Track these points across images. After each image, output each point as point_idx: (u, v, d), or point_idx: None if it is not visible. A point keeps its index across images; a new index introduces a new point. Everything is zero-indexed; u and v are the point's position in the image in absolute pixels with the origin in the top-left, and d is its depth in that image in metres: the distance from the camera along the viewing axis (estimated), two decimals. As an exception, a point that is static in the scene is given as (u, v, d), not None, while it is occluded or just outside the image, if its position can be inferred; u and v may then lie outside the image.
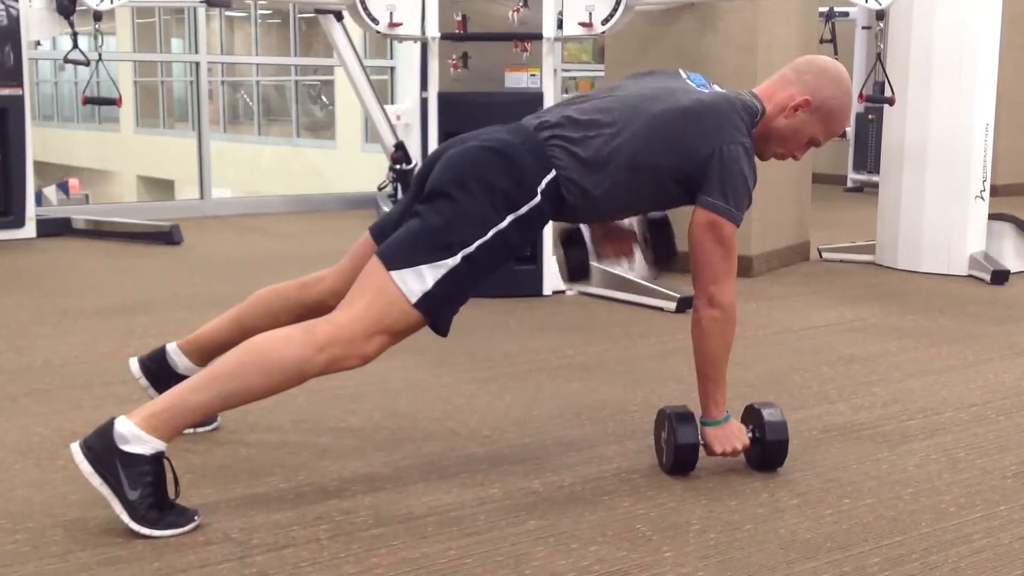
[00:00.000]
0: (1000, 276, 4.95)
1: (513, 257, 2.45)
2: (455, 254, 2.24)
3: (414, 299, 2.22)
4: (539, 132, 2.40)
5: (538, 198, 2.32)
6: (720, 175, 2.35)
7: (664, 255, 2.68)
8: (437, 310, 2.26)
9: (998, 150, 5.74)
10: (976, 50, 5.10)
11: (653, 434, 2.55)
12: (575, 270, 2.74)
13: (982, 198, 5.20)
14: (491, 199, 2.29)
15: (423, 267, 2.23)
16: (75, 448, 2.09)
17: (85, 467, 2.07)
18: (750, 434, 2.47)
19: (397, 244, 2.28)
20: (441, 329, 2.32)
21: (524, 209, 2.31)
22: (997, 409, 3.02)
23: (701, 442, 2.44)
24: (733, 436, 2.45)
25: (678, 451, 2.41)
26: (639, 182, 2.39)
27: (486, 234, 2.27)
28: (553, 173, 2.35)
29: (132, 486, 2.06)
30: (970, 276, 5.11)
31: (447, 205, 2.29)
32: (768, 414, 2.47)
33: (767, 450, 2.46)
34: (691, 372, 2.51)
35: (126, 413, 2.11)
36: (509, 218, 2.30)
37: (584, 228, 2.73)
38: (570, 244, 2.72)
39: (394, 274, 2.23)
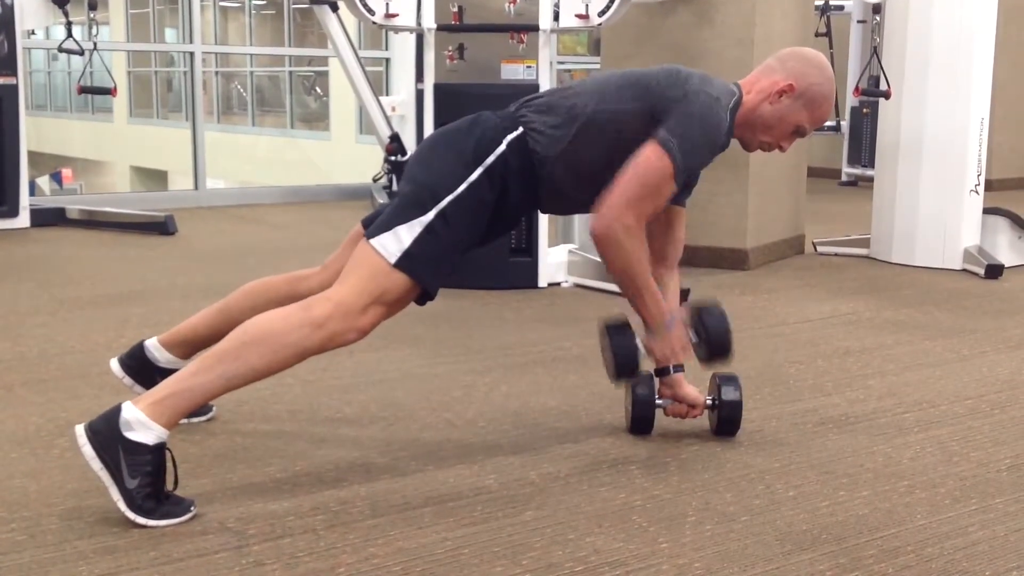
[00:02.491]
0: (994, 270, 4.96)
1: (490, 226, 2.44)
2: (428, 211, 2.31)
3: (393, 259, 2.27)
4: (514, 108, 2.51)
5: (503, 147, 2.39)
6: (680, 115, 2.37)
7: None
8: (419, 269, 2.29)
9: (993, 144, 5.77)
10: (972, 44, 5.11)
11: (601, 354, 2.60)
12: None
13: (977, 192, 5.21)
14: (458, 157, 2.38)
15: (399, 227, 2.29)
16: (79, 431, 2.09)
17: (87, 450, 2.07)
18: (692, 333, 2.55)
19: (378, 220, 2.36)
20: (429, 293, 2.34)
21: (491, 159, 2.37)
22: (992, 402, 3.03)
23: (643, 352, 2.51)
24: (675, 341, 2.51)
25: (617, 359, 2.48)
26: (604, 126, 2.41)
27: (456, 188, 2.33)
28: (520, 129, 2.43)
29: (132, 474, 2.06)
30: (964, 270, 5.12)
31: (418, 169, 2.41)
32: (707, 310, 2.56)
33: (712, 348, 2.54)
34: (689, 370, 2.51)
35: (130, 400, 2.12)
36: (478, 171, 2.36)
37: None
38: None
39: (373, 241, 2.29)
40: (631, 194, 2.36)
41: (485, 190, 2.37)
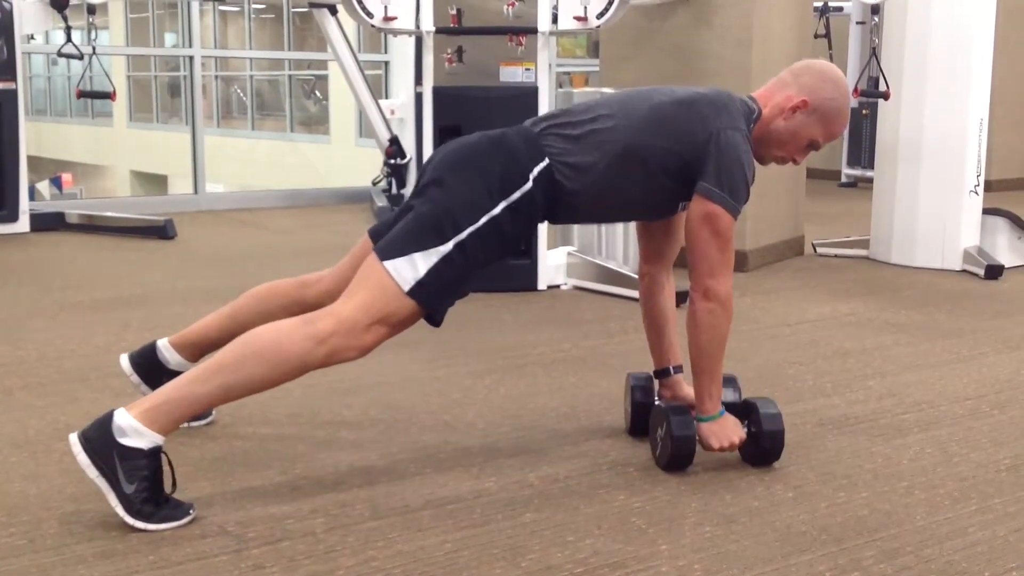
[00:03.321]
0: (994, 271, 4.96)
1: (507, 252, 2.44)
2: (447, 241, 2.25)
3: (407, 287, 2.23)
4: (534, 127, 2.44)
5: (530, 184, 2.33)
6: (717, 161, 2.35)
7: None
8: (431, 298, 2.27)
9: (992, 145, 5.77)
10: (971, 45, 5.11)
11: (649, 429, 2.55)
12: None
13: (976, 193, 5.21)
14: (483, 185, 2.30)
15: (415, 255, 2.24)
16: (73, 439, 2.09)
17: (82, 458, 2.07)
18: (745, 429, 2.48)
19: (392, 237, 2.30)
20: (436, 319, 2.32)
21: (516, 195, 2.32)
22: (991, 403, 3.03)
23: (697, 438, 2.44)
24: (729, 431, 2.45)
25: (675, 445, 2.41)
26: (633, 165, 2.38)
27: (478, 220, 2.28)
28: (546, 161, 2.36)
29: (128, 480, 2.06)
30: (964, 271, 5.12)
31: (438, 192, 2.32)
32: (763, 407, 2.48)
33: (763, 443, 2.46)
34: (686, 364, 2.51)
35: (125, 406, 2.11)
36: (501, 205, 2.30)
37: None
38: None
39: (387, 264, 2.24)
40: (721, 264, 2.38)
41: (507, 224, 2.32)
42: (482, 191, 2.30)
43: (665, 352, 2.69)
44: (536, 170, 2.35)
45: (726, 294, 2.39)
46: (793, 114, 2.47)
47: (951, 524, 2.17)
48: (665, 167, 2.39)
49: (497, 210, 2.30)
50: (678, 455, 2.42)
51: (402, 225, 2.31)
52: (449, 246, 2.25)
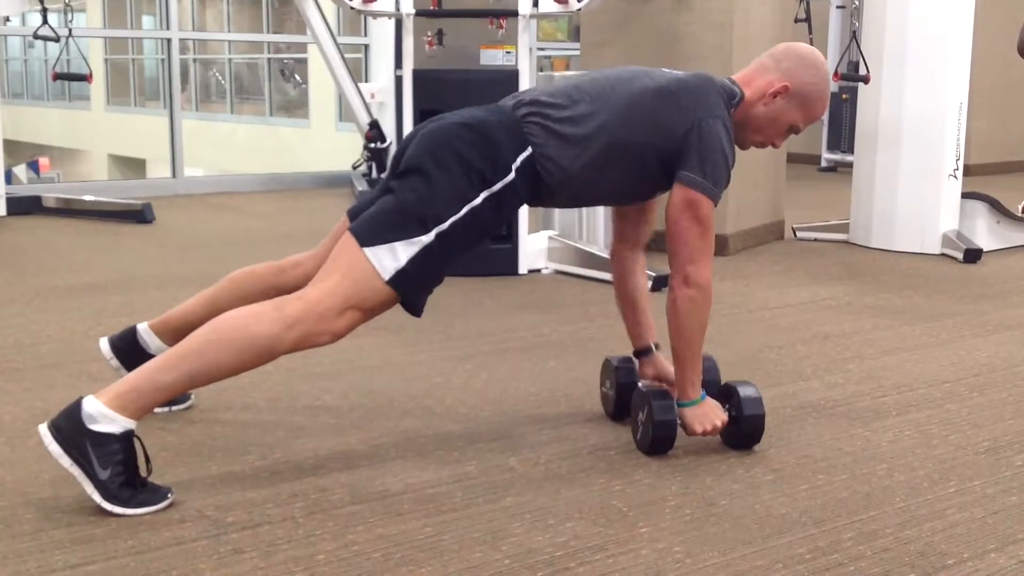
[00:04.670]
0: (973, 255, 4.98)
1: (486, 238, 2.42)
2: (429, 231, 2.23)
3: (387, 276, 2.21)
4: (516, 111, 2.40)
5: (512, 175, 2.31)
6: (698, 149, 2.35)
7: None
8: (410, 288, 2.25)
9: (971, 129, 5.78)
10: (950, 29, 5.12)
11: (631, 412, 2.55)
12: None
13: (955, 177, 5.23)
14: (465, 176, 2.28)
15: (396, 244, 2.22)
16: (43, 429, 2.07)
17: (54, 448, 2.05)
18: (727, 412, 2.48)
19: (370, 220, 2.27)
20: (415, 309, 2.30)
21: (498, 186, 2.30)
22: (970, 386, 3.04)
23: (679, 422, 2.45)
24: (711, 414, 2.45)
25: (656, 430, 2.41)
26: (615, 159, 2.37)
27: (460, 211, 2.26)
28: (529, 151, 2.34)
29: (103, 465, 2.04)
30: (943, 255, 5.14)
31: (420, 181, 2.28)
32: (744, 391, 2.48)
33: (744, 427, 2.47)
34: (666, 349, 2.51)
35: (91, 394, 2.09)
36: (483, 195, 2.28)
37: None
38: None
39: (367, 251, 2.21)
40: (702, 250, 2.37)
41: (489, 214, 2.30)
42: (464, 182, 2.28)
43: (643, 331, 2.70)
44: (519, 160, 2.33)
45: (706, 281, 2.39)
46: (774, 99, 2.47)
47: (930, 506, 2.18)
48: (646, 160, 2.39)
49: (479, 200, 2.28)
50: (659, 439, 2.43)
51: (381, 210, 2.29)
52: (431, 236, 2.23)
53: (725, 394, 2.51)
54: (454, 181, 2.28)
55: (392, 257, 2.21)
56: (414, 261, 2.22)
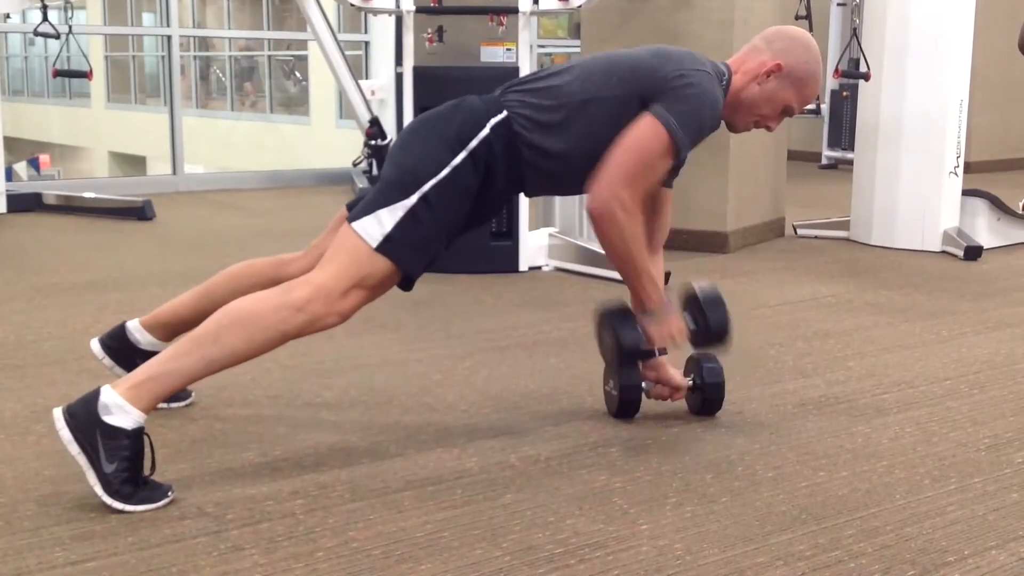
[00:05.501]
0: (973, 252, 4.98)
1: (473, 210, 2.41)
2: (410, 195, 2.30)
3: (375, 243, 2.26)
4: (498, 92, 2.49)
5: (487, 130, 2.37)
6: (675, 94, 2.36)
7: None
8: (400, 253, 2.29)
9: (972, 127, 5.78)
10: (951, 26, 5.11)
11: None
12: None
13: (956, 174, 5.23)
14: (442, 140, 2.36)
15: (381, 211, 2.29)
16: (57, 414, 2.08)
17: (65, 434, 2.05)
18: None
19: (361, 204, 2.35)
20: (411, 275, 2.33)
21: (474, 143, 2.35)
22: (970, 383, 3.04)
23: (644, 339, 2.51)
24: (671, 325, 2.49)
25: (622, 342, 2.49)
26: (592, 119, 2.40)
27: (439, 173, 2.32)
28: (504, 113, 2.41)
29: (109, 459, 2.04)
30: (944, 252, 5.14)
31: (401, 153, 2.39)
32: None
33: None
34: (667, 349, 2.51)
35: (111, 383, 2.10)
36: (461, 155, 2.34)
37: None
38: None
39: (355, 224, 2.28)
40: (627, 169, 2.35)
41: (468, 174, 2.35)
42: (441, 145, 2.35)
43: None
44: (494, 120, 2.39)
45: (619, 201, 2.34)
46: (767, 78, 2.49)
47: (931, 503, 2.18)
48: (627, 108, 2.38)
49: (457, 160, 2.34)
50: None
51: (370, 192, 2.37)
52: (413, 199, 2.29)
53: (688, 303, 2.60)
54: (431, 147, 2.36)
55: (377, 224, 2.27)
56: (400, 226, 2.27)
